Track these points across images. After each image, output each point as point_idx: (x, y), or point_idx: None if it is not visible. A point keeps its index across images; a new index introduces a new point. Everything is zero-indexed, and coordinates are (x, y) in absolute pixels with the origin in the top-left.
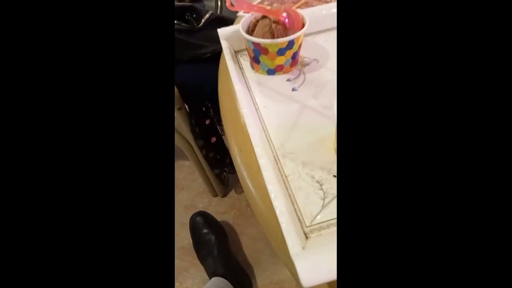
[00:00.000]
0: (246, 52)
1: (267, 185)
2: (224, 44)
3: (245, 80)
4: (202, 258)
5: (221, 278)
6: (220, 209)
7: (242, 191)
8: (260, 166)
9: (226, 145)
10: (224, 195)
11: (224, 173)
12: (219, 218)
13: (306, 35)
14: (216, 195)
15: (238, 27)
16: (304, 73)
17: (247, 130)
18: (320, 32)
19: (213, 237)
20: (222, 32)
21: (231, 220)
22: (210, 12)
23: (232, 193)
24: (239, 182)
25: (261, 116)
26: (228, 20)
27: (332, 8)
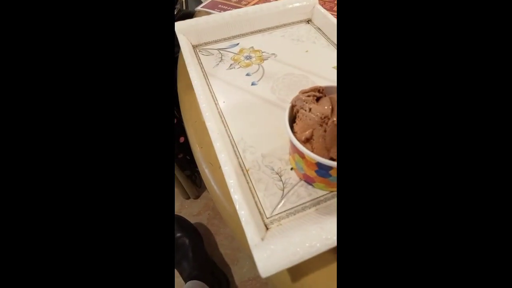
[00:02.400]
0: (205, 47)
1: (227, 180)
2: (181, 38)
3: (204, 76)
4: (176, 263)
5: (197, 281)
6: (193, 211)
7: None
8: (220, 161)
9: None
10: (197, 197)
11: (196, 174)
12: (193, 220)
13: (263, 30)
14: (188, 197)
15: (196, 21)
16: (263, 68)
17: (207, 127)
18: (277, 27)
19: (187, 240)
20: (179, 26)
21: (206, 221)
22: (177, 8)
23: (206, 193)
24: None
25: (221, 111)
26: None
27: (287, 4)
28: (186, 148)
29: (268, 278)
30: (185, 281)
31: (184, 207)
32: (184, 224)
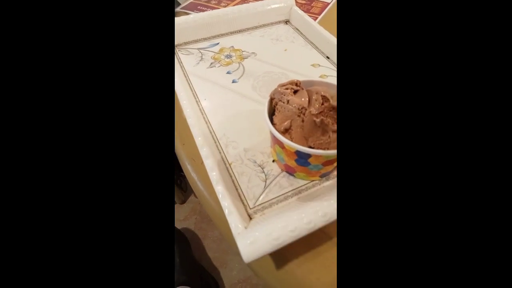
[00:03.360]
0: (185, 46)
1: (209, 173)
2: None
3: (184, 74)
4: None
5: (185, 287)
6: (179, 216)
7: None
8: (202, 156)
9: None
10: (183, 202)
11: (181, 178)
12: (179, 225)
13: (243, 30)
14: (174, 202)
15: (175, 21)
16: (243, 66)
17: (188, 124)
18: (256, 28)
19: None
20: None
21: (193, 225)
22: None
23: (192, 198)
24: None
25: (203, 108)
26: None
27: (265, 5)
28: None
29: (256, 271)
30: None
31: None
32: None
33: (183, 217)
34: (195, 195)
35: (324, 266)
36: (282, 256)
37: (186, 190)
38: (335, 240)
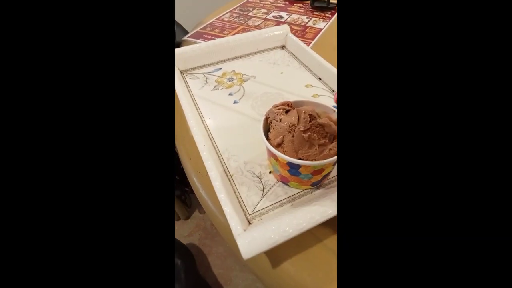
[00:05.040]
0: (192, 72)
1: (213, 183)
2: None
3: (191, 96)
4: None
5: None
6: (184, 232)
7: None
8: (206, 168)
9: None
10: (187, 217)
11: (186, 194)
12: (184, 241)
13: (243, 56)
14: (178, 219)
15: (183, 49)
16: (243, 88)
17: (194, 140)
18: (255, 53)
19: (179, 261)
20: None
21: (197, 241)
22: None
23: (196, 213)
24: None
25: (207, 126)
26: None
27: (264, 33)
28: (176, 168)
29: (255, 271)
30: None
31: (175, 229)
32: (176, 245)
33: (187, 233)
34: (199, 211)
35: (314, 264)
36: (277, 257)
37: (190, 206)
38: (324, 242)
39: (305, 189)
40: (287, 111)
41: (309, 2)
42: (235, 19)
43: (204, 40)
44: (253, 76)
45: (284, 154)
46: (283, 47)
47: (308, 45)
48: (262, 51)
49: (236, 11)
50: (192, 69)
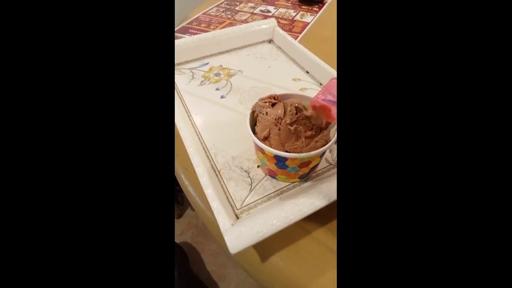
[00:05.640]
0: (178, 67)
1: (200, 179)
2: None
3: (177, 92)
4: None
5: None
6: (176, 230)
7: None
8: (193, 165)
9: None
10: (180, 216)
11: (177, 192)
12: (177, 239)
13: (230, 50)
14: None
15: None
16: (231, 83)
17: (181, 136)
18: (242, 47)
19: None
20: None
21: (190, 239)
22: None
23: (188, 211)
24: None
25: (194, 122)
26: None
27: (250, 27)
28: None
29: (245, 267)
30: None
31: None
32: None
33: (180, 231)
34: (191, 208)
35: (303, 257)
36: (266, 251)
37: (183, 204)
38: (313, 234)
39: (293, 182)
40: (273, 104)
41: None
42: (222, 14)
43: (190, 35)
44: (240, 70)
45: (270, 147)
46: (270, 41)
47: (295, 39)
48: (249, 45)
49: (222, 5)
50: (178, 64)
